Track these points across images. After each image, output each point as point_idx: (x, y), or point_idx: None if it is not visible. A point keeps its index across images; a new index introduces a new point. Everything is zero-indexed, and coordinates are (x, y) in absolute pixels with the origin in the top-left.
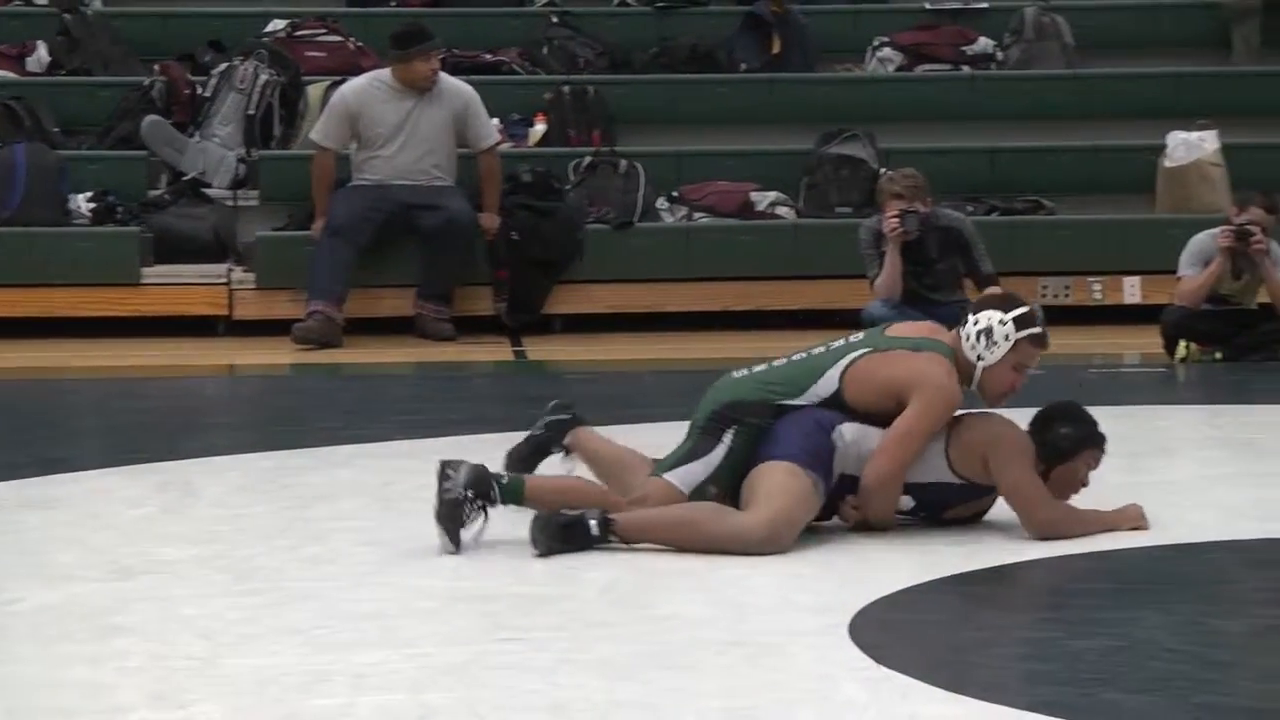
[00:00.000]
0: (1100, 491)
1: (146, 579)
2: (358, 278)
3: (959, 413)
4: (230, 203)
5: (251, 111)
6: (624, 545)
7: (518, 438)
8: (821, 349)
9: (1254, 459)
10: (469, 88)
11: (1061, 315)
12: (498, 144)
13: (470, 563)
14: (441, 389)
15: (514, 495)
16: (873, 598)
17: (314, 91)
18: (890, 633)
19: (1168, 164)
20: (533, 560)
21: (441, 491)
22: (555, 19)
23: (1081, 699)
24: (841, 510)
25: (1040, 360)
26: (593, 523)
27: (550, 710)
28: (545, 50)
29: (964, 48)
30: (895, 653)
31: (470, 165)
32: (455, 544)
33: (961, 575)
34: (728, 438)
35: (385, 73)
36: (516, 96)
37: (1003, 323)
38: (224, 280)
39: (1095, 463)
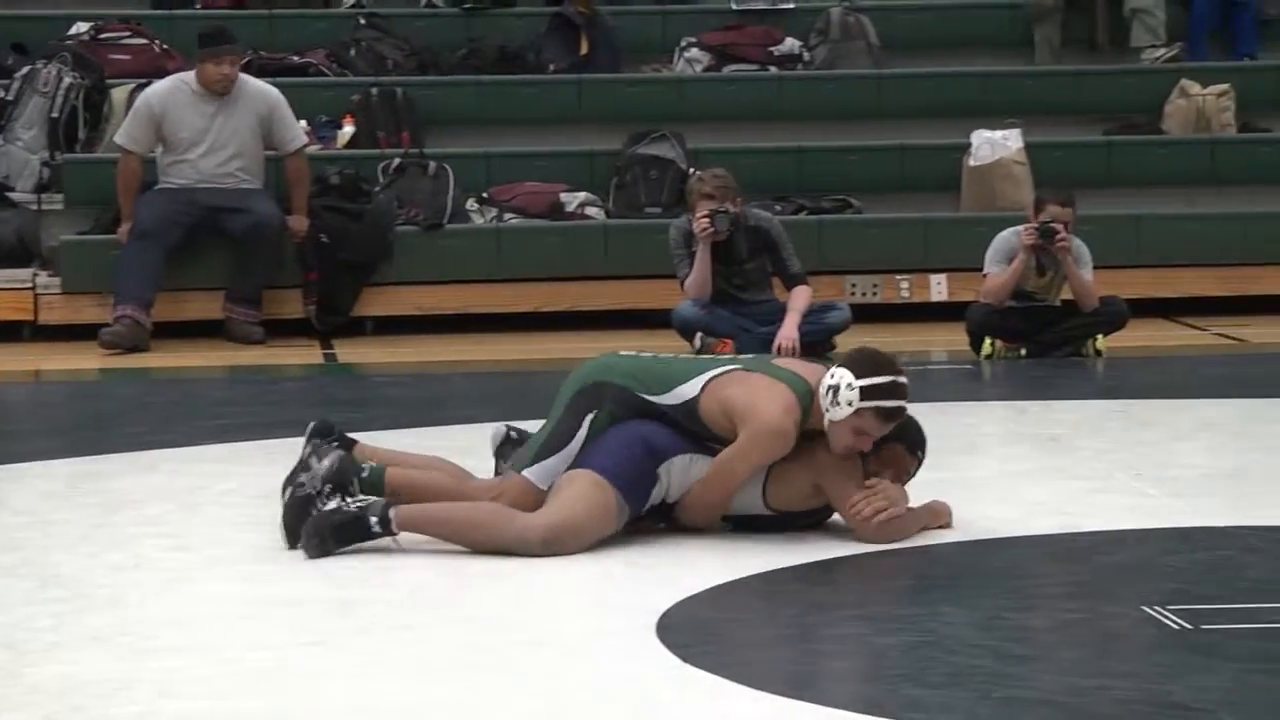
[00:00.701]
0: (907, 488)
1: None
2: (166, 281)
3: None
4: (34, 207)
5: (55, 115)
6: (435, 547)
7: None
8: (708, 357)
9: (1056, 454)
10: (274, 90)
11: (870, 313)
12: (305, 146)
13: (278, 567)
14: (251, 392)
15: (374, 488)
16: (682, 597)
17: (119, 94)
18: (698, 632)
19: (973, 163)
20: (342, 563)
21: (295, 486)
22: (363, 20)
23: (886, 695)
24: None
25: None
26: (373, 519)
27: (357, 713)
28: (353, 52)
29: (771, 48)
30: (703, 651)
31: (278, 168)
32: (293, 541)
33: (769, 574)
34: (587, 422)
35: (190, 75)
36: (324, 98)
37: (850, 387)
38: (29, 285)
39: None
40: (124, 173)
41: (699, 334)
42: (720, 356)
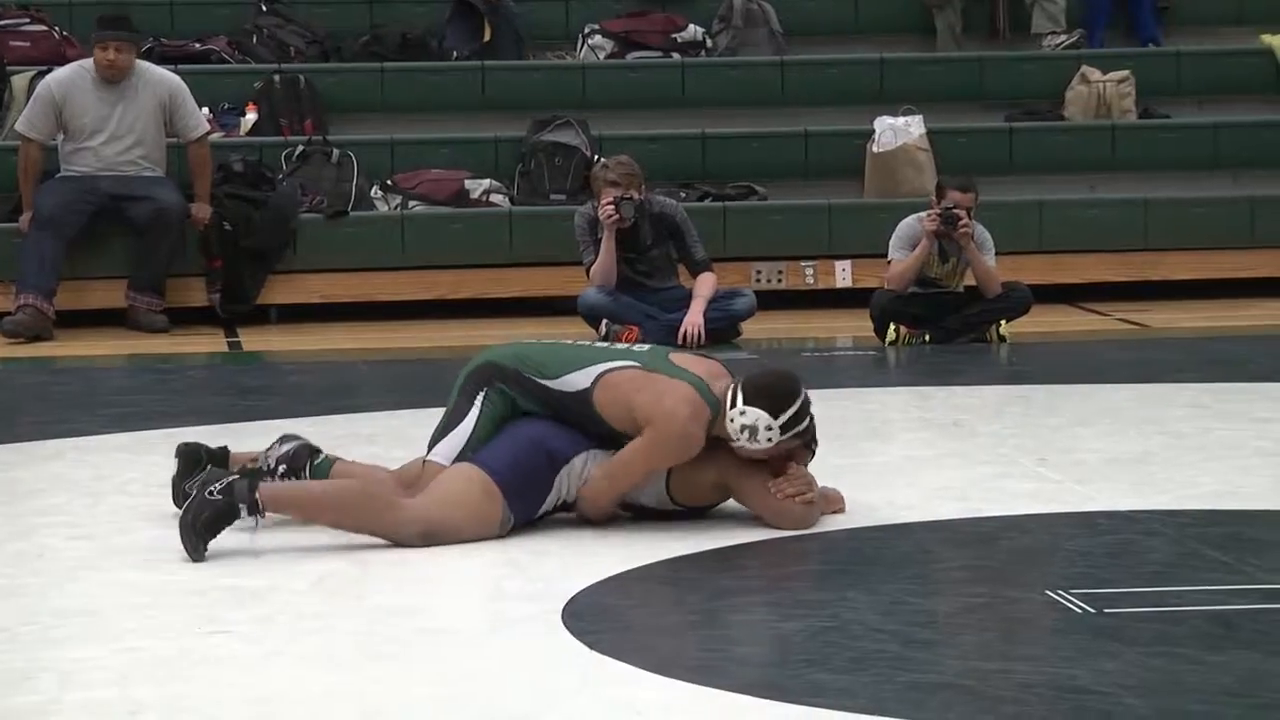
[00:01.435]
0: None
1: None
2: (68, 269)
3: None
4: None
5: None
6: (338, 536)
7: (234, 429)
8: (603, 345)
9: (960, 440)
10: (175, 77)
11: (775, 300)
12: (208, 134)
13: (181, 556)
14: (155, 381)
15: (321, 476)
16: (588, 584)
17: (19, 82)
18: (602, 618)
19: (875, 149)
20: (246, 552)
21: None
22: (264, 7)
23: (790, 680)
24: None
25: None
26: (242, 506)
27: (259, 702)
28: (255, 39)
29: (674, 35)
30: (607, 638)
31: (181, 155)
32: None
33: (673, 560)
34: (479, 400)
35: (91, 62)
36: (226, 86)
37: (769, 428)
38: None
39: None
40: (24, 160)
41: (604, 321)
42: (615, 347)
